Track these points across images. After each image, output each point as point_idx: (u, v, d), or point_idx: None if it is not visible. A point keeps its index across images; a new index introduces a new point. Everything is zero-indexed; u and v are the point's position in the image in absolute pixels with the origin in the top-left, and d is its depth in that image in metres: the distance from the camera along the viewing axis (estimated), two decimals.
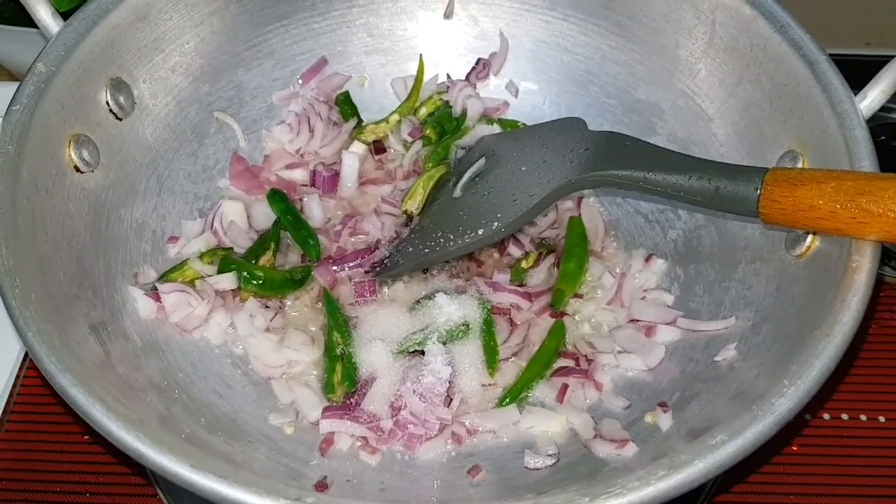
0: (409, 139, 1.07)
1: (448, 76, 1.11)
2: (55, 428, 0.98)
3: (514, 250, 0.99)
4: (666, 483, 0.63)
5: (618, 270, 0.98)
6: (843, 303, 0.72)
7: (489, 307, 0.93)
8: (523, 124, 1.07)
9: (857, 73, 0.86)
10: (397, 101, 1.10)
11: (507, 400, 0.88)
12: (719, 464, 0.64)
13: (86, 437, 0.97)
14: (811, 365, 0.69)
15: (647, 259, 0.97)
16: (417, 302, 0.94)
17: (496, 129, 1.07)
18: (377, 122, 1.08)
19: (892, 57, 0.84)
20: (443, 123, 1.07)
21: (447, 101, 1.09)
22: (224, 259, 0.94)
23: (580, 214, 1.01)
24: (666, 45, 0.99)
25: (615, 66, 1.04)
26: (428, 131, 1.07)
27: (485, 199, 0.93)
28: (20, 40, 1.16)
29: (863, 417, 1.02)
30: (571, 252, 0.97)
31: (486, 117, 1.08)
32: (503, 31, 1.08)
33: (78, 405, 0.66)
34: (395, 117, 1.08)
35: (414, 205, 1.01)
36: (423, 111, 1.09)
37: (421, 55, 1.09)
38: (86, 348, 0.76)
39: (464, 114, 1.08)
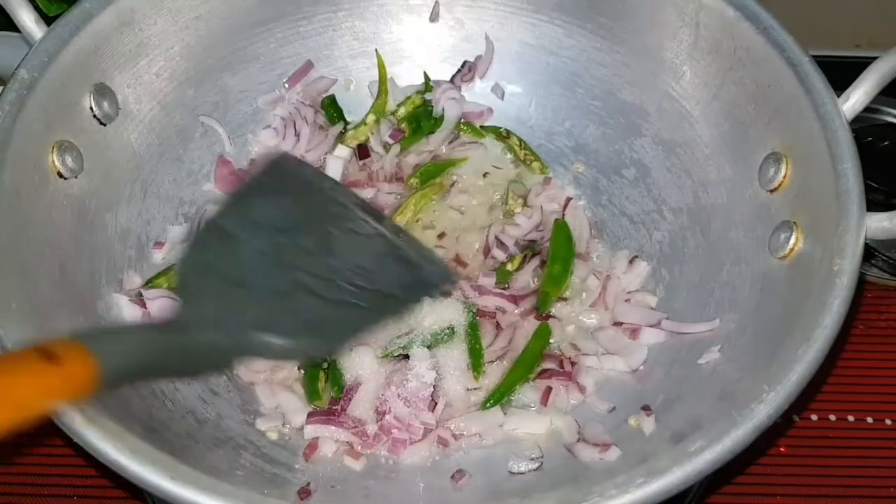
0: (391, 141, 1.07)
1: (432, 80, 1.10)
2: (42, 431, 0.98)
3: (498, 253, 0.99)
4: (644, 490, 0.63)
5: (603, 273, 0.97)
6: (823, 306, 0.72)
7: (474, 310, 0.93)
8: (506, 130, 1.07)
9: (845, 74, 0.86)
10: None
11: (491, 402, 0.87)
12: (698, 471, 0.64)
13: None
14: (791, 369, 0.69)
15: (631, 261, 0.97)
16: None
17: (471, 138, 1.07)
18: (356, 126, 1.08)
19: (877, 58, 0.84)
20: (419, 120, 1.07)
21: (428, 101, 1.08)
22: None
23: (565, 216, 1.01)
24: (651, 47, 0.99)
25: (600, 68, 1.03)
26: (403, 125, 1.07)
27: None
28: (2, 44, 1.16)
29: (850, 418, 1.02)
30: (557, 255, 0.97)
31: (468, 123, 1.08)
32: (488, 33, 1.07)
33: (56, 414, 0.66)
34: (372, 117, 1.08)
35: (403, 221, 1.00)
36: (403, 111, 1.08)
37: (376, 50, 1.09)
38: None
39: (444, 114, 1.08)
